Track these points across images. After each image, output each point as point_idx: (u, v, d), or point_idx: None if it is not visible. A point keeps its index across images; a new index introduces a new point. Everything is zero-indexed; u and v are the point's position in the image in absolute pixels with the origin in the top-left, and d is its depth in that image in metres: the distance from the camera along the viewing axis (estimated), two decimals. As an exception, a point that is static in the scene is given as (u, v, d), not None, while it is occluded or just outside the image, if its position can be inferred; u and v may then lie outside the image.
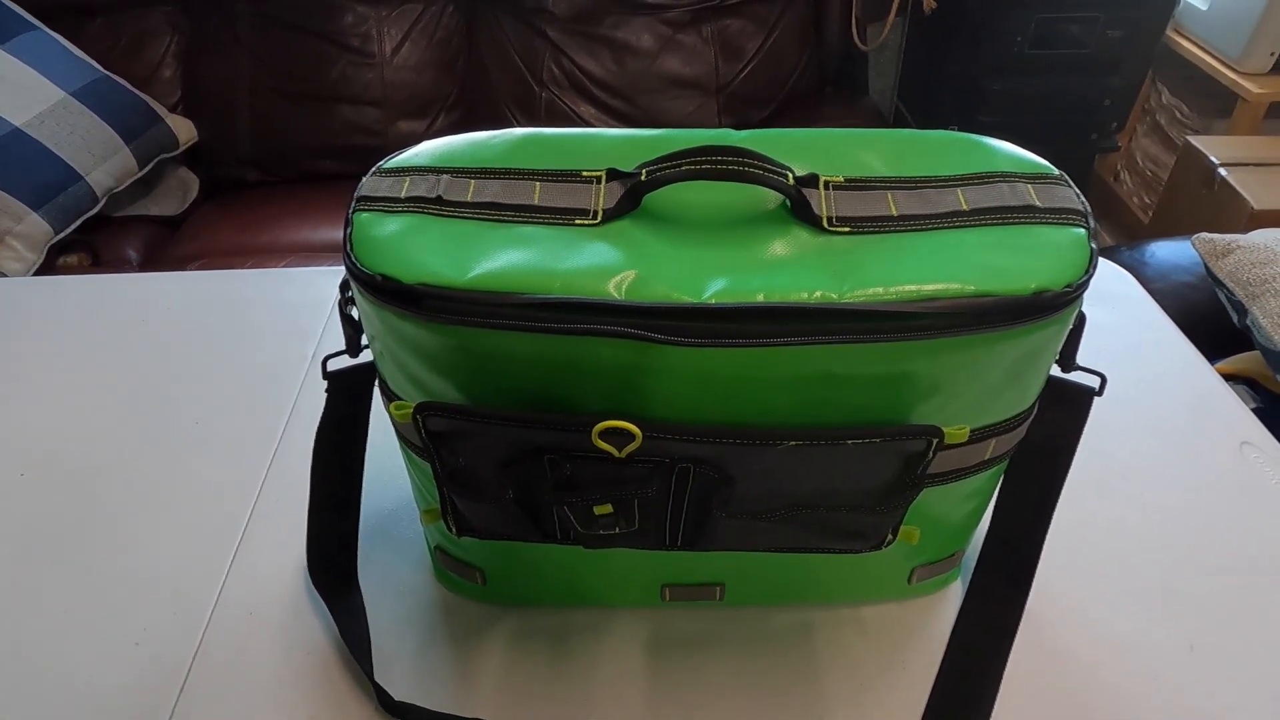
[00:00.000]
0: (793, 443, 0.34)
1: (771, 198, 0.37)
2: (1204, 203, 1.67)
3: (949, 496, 0.42)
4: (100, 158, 1.46)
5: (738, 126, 0.40)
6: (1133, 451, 0.60)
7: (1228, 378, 0.91)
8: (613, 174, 0.36)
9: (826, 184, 0.36)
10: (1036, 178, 0.37)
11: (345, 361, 0.44)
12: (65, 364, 0.68)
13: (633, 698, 0.46)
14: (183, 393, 0.65)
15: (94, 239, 1.51)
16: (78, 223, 1.45)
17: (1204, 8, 1.86)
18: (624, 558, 0.45)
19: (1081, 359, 0.65)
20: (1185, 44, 1.92)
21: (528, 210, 0.36)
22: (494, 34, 1.74)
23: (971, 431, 0.37)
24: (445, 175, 0.37)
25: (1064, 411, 0.42)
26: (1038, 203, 0.36)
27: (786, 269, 0.33)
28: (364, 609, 0.49)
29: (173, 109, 1.66)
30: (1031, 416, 0.40)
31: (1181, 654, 0.48)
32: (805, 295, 0.32)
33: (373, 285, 0.34)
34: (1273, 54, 1.74)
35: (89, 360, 0.68)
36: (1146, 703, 0.45)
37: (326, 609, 0.49)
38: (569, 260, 0.33)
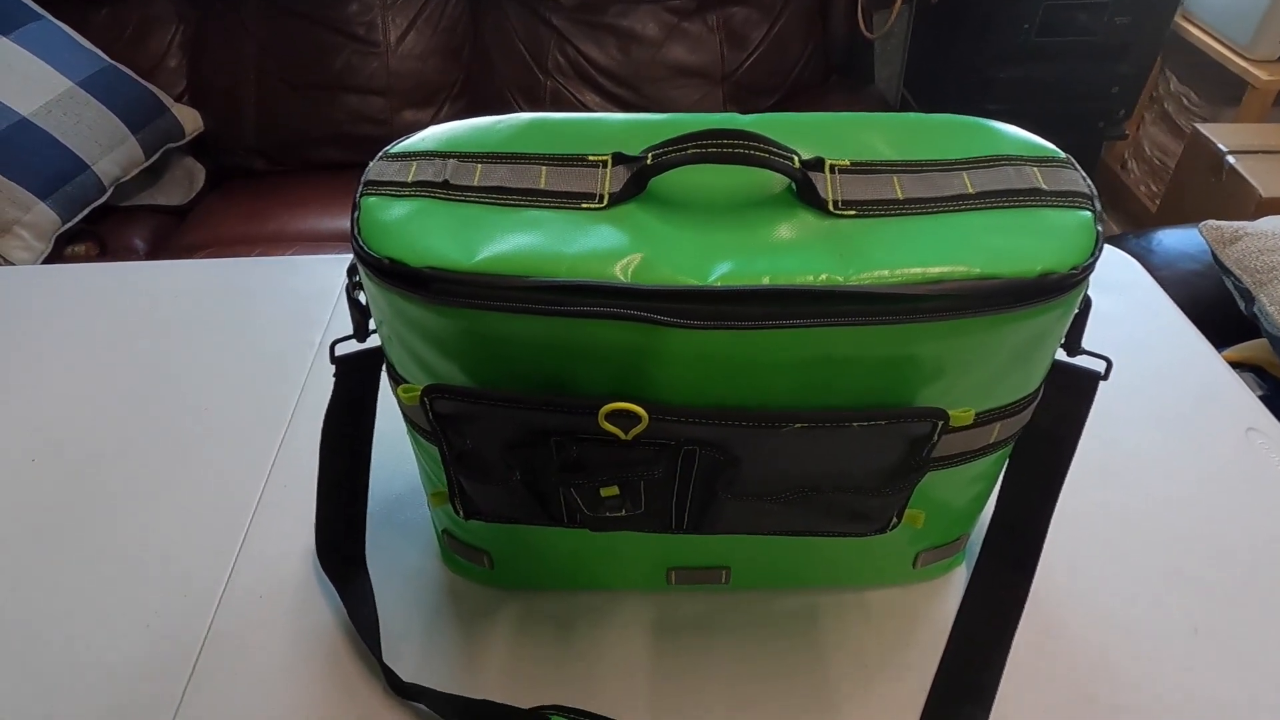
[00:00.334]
0: (798, 425, 0.34)
1: (777, 181, 0.37)
2: (1212, 191, 1.67)
3: (954, 480, 0.42)
4: (107, 147, 1.47)
5: (743, 114, 0.40)
6: (1139, 438, 0.60)
7: (1235, 365, 0.91)
8: (618, 158, 0.36)
9: (832, 167, 0.36)
10: (1042, 160, 0.37)
11: (353, 346, 0.44)
12: (75, 352, 0.68)
13: (638, 680, 0.46)
14: (191, 380, 0.65)
15: (101, 228, 1.52)
16: (85, 212, 1.45)
17: (1213, -6, 1.84)
18: (630, 541, 0.45)
19: (1088, 346, 0.65)
20: (1194, 31, 1.91)
21: (534, 194, 0.36)
22: (499, 22, 1.73)
23: (977, 414, 0.37)
24: (452, 160, 0.37)
25: (1069, 396, 0.42)
26: (1043, 185, 0.36)
27: (792, 252, 0.33)
28: (372, 592, 0.49)
29: (178, 99, 1.66)
30: (1037, 400, 0.40)
31: (1186, 637, 0.48)
32: (811, 278, 0.32)
33: (380, 269, 0.34)
34: (1282, 41, 1.73)
35: (98, 348, 0.68)
36: (1150, 686, 0.45)
37: (335, 592, 0.49)
38: (575, 243, 0.33)
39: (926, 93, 2.14)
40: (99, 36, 1.60)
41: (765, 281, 0.32)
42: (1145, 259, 1.18)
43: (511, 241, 0.34)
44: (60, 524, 0.55)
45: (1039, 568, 0.46)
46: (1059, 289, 0.33)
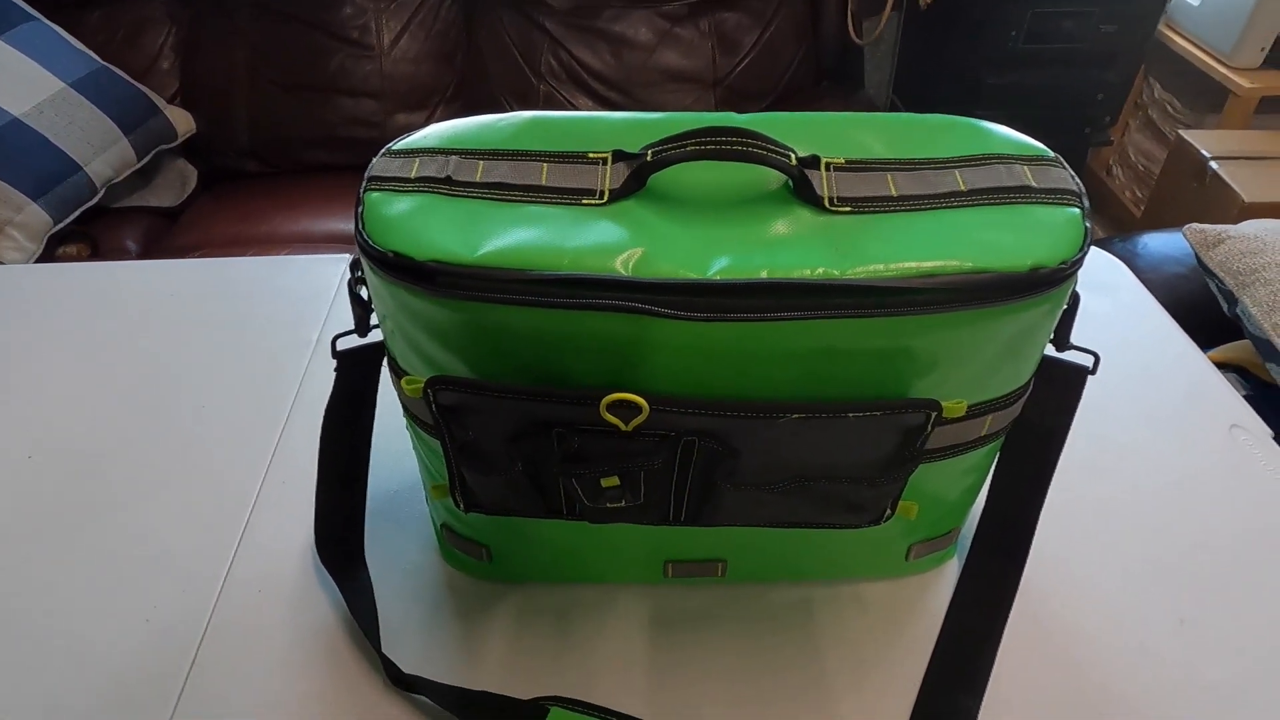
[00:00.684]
0: (796, 416, 0.35)
1: (774, 178, 0.37)
2: (1195, 196, 1.69)
3: (947, 472, 0.43)
4: (99, 148, 1.46)
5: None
6: (1127, 435, 0.61)
7: (1219, 366, 0.93)
8: (619, 155, 0.37)
9: (828, 165, 0.37)
10: (1032, 159, 0.38)
11: (354, 341, 0.44)
12: (71, 349, 0.68)
13: (635, 672, 0.47)
14: (189, 378, 0.66)
15: (93, 229, 1.51)
16: (77, 213, 1.45)
17: (1196, 3, 1.87)
18: (628, 534, 0.46)
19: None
20: (1177, 39, 1.93)
21: (535, 190, 0.36)
22: (492, 27, 1.74)
23: (969, 407, 0.38)
24: (454, 156, 0.38)
25: (1058, 389, 0.43)
26: (1033, 183, 0.37)
27: (789, 247, 0.34)
28: (371, 586, 0.50)
29: (171, 100, 1.66)
30: (1027, 393, 0.41)
31: (1172, 627, 0.49)
32: (808, 272, 0.33)
33: (385, 262, 0.35)
34: (1263, 49, 1.76)
35: (94, 346, 0.68)
36: (1138, 674, 0.46)
37: (334, 586, 0.50)
38: (577, 238, 0.34)
39: (916, 98, 2.16)
40: (92, 38, 1.60)
41: (763, 275, 0.33)
42: (1131, 262, 1.20)
43: (514, 236, 0.34)
44: (59, 520, 0.55)
45: (1029, 560, 0.47)
46: (1049, 283, 0.34)
